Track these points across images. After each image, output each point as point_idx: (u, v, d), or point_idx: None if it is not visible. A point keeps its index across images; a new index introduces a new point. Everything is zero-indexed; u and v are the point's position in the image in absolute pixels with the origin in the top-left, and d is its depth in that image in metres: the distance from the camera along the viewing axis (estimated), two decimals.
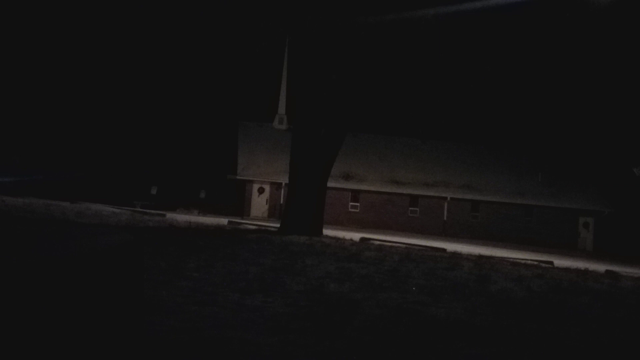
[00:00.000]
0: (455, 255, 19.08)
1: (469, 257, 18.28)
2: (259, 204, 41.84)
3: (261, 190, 41.93)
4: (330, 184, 25.26)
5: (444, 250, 21.41)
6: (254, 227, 25.28)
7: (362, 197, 42.53)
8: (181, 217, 25.98)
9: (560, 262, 21.48)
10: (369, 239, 23.12)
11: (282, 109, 45.27)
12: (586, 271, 17.52)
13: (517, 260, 20.05)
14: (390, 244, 22.14)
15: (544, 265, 19.44)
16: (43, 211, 20.19)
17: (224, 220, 27.31)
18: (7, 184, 34.39)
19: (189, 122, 51.84)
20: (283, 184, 37.46)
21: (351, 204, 42.40)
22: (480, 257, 19.06)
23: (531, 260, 21.15)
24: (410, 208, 42.96)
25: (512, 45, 24.53)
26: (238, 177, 41.81)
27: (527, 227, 42.99)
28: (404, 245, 21.41)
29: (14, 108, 42.56)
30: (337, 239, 20.64)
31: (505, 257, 20.81)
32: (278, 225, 23.49)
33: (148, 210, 29.54)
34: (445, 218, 42.89)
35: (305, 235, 19.25)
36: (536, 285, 12.17)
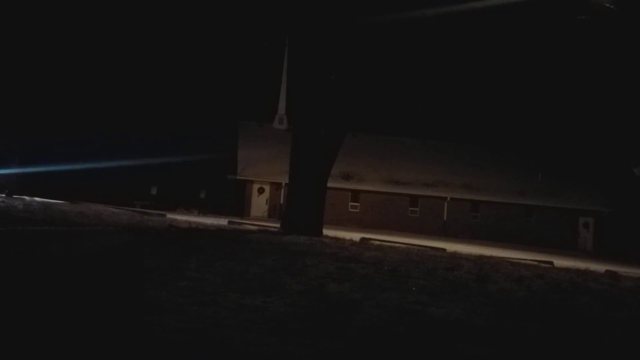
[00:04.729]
0: (455, 255, 19.09)
1: (468, 257, 18.28)
2: (259, 204, 41.84)
3: (261, 190, 41.92)
4: (330, 184, 25.26)
5: (443, 250, 21.41)
6: (254, 227, 25.27)
7: (362, 197, 42.53)
8: (181, 217, 25.97)
9: (560, 262, 21.48)
10: (369, 239, 23.12)
11: (282, 109, 45.28)
12: (586, 271, 17.53)
13: (517, 261, 20.06)
14: (390, 244, 22.15)
15: (544, 265, 19.45)
16: (43, 211, 20.18)
17: (224, 221, 27.30)
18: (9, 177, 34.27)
19: (189, 122, 51.84)
20: (283, 184, 37.45)
21: (351, 204, 42.39)
22: (480, 257, 19.06)
23: (531, 260, 21.15)
24: (410, 208, 42.95)
25: (512, 45, 24.51)
26: (238, 177, 41.81)
27: (527, 227, 42.98)
28: (404, 245, 21.41)
29: (14, 105, 42.55)
30: (337, 239, 20.64)
31: (505, 257, 20.81)
32: (278, 225, 23.48)
33: (148, 210, 29.52)
34: (445, 218, 42.88)
35: (305, 236, 19.24)
36: (536, 285, 12.18)
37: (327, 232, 22.60)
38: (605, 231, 43.53)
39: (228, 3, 26.19)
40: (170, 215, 26.81)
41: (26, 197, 27.87)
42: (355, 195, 42.46)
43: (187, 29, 40.59)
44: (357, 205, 42.47)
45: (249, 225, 26.75)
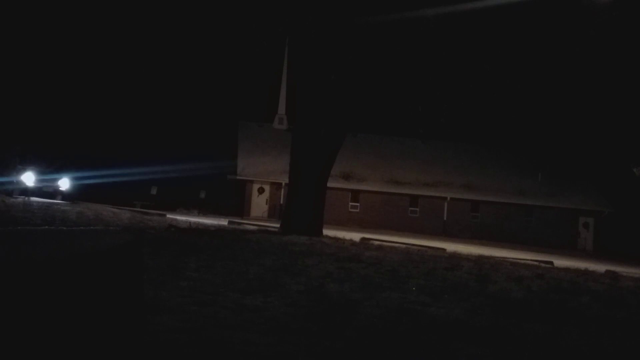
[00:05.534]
0: (455, 255, 19.09)
1: (468, 257, 18.29)
2: (259, 204, 41.84)
3: (261, 190, 41.93)
4: (330, 184, 25.27)
5: (443, 250, 21.42)
6: (254, 227, 25.28)
7: (362, 197, 42.53)
8: (181, 217, 25.97)
9: (560, 262, 21.49)
10: (369, 239, 23.13)
11: (282, 109, 45.29)
12: (586, 271, 17.53)
13: (517, 261, 20.06)
14: (390, 244, 22.15)
15: (543, 265, 19.46)
16: (43, 211, 20.17)
17: (224, 221, 27.31)
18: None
19: (189, 122, 51.87)
20: (283, 184, 37.46)
21: (351, 204, 42.39)
22: (480, 257, 19.06)
23: (531, 260, 21.16)
24: (410, 208, 42.96)
25: (512, 45, 24.52)
26: (238, 177, 41.81)
27: (527, 227, 42.98)
28: (404, 245, 21.42)
29: (13, 107, 42.55)
30: (337, 239, 20.64)
31: (505, 257, 20.82)
32: (278, 225, 23.49)
33: (148, 211, 29.53)
34: (445, 218, 42.88)
35: (305, 235, 19.24)
36: (536, 285, 12.17)
37: (327, 232, 22.60)
38: (605, 231, 43.53)
39: (228, 3, 26.19)
40: (170, 215, 26.82)
41: (26, 197, 27.87)
42: (355, 195, 42.47)
43: (187, 29, 40.59)
44: (357, 205, 42.46)
45: (248, 225, 26.76)
